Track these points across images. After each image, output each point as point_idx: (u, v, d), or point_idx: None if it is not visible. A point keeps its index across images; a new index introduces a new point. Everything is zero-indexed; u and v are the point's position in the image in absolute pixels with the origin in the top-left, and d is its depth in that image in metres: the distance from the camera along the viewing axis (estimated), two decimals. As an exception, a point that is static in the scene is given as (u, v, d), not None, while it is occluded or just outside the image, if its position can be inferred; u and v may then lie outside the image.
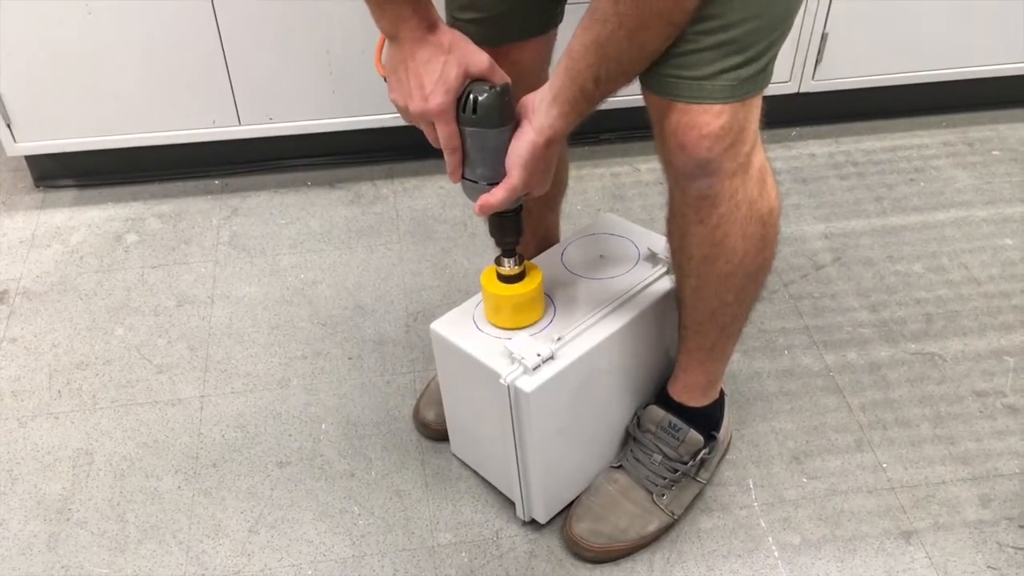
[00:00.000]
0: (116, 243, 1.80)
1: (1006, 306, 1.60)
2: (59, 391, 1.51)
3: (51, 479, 1.37)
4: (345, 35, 1.73)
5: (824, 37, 1.82)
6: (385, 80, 1.01)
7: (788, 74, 1.86)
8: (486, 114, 0.97)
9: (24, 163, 1.93)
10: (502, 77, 1.00)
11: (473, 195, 1.04)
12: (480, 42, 1.10)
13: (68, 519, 1.32)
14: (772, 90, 1.00)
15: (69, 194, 1.93)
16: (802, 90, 1.90)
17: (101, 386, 1.51)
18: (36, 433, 1.44)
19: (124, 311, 1.65)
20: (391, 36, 0.96)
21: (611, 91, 0.93)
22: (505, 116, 0.98)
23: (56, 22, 1.65)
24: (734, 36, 0.88)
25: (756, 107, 0.96)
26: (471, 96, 0.97)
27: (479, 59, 0.97)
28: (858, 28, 1.82)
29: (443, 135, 0.99)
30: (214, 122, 1.81)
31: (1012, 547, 1.25)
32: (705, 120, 0.92)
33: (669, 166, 0.99)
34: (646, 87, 0.96)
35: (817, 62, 1.85)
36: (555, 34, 1.20)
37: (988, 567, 1.22)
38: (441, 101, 0.96)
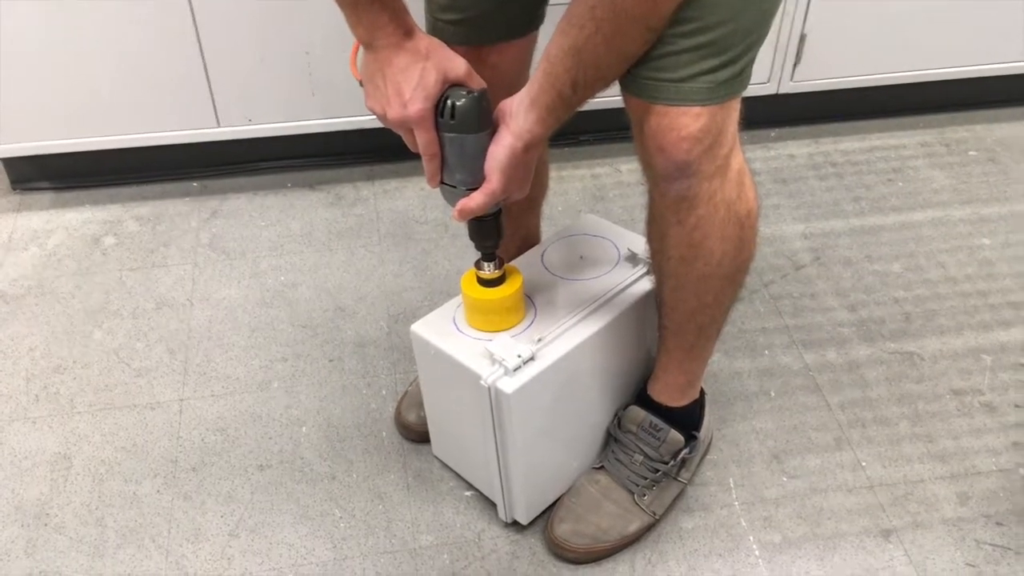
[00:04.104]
0: (94, 246, 1.79)
1: (983, 305, 1.62)
2: (36, 395, 1.49)
3: (29, 484, 1.36)
4: (324, 36, 1.72)
5: (803, 38, 1.83)
6: (361, 85, 1.01)
7: (767, 75, 1.87)
8: (464, 120, 0.97)
9: (0, 165, 1.91)
10: (479, 83, 0.99)
11: (452, 200, 1.04)
12: (460, 43, 1.10)
13: (46, 524, 1.31)
14: (751, 91, 1.01)
15: (46, 197, 1.91)
16: (781, 91, 1.91)
17: (79, 390, 1.50)
18: (13, 438, 1.43)
19: (102, 314, 1.64)
20: (367, 44, 0.96)
21: (589, 95, 0.93)
22: (483, 121, 0.98)
23: (33, 24, 1.63)
24: (712, 39, 0.89)
25: (735, 110, 0.96)
26: (449, 102, 0.97)
27: (457, 65, 0.97)
28: (836, 29, 1.83)
29: (422, 141, 0.99)
30: (193, 124, 1.80)
31: (990, 544, 1.26)
32: (684, 122, 0.92)
33: (648, 168, 0.99)
34: (625, 89, 0.96)
35: (796, 63, 1.86)
36: (536, 36, 1.20)
37: (966, 564, 1.23)
38: (420, 108, 0.96)
